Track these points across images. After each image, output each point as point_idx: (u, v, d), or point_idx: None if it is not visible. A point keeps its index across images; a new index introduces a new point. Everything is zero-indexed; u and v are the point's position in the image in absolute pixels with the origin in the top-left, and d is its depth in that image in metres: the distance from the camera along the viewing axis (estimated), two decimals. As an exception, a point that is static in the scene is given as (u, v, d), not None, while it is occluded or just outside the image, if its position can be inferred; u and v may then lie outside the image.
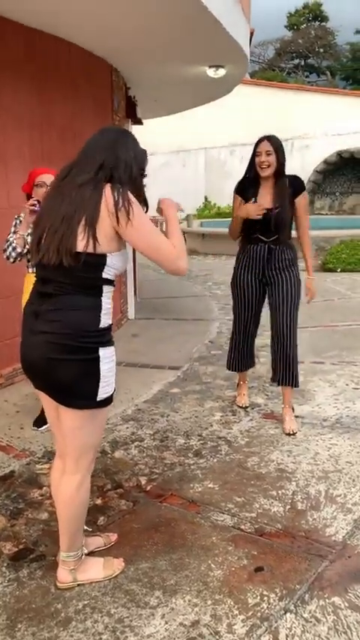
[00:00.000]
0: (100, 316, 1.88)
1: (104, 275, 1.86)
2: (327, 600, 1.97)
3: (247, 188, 3.35)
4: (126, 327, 6.00)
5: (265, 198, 3.27)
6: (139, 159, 1.94)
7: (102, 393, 1.89)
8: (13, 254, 3.07)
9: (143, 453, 3.13)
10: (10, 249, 3.07)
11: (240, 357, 3.66)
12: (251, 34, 7.35)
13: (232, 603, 1.97)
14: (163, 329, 5.90)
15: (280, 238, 3.29)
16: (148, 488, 2.77)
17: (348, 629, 1.85)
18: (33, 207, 2.92)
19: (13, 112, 4.10)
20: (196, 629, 1.86)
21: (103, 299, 1.89)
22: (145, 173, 1.97)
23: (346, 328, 5.71)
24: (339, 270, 9.29)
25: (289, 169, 3.32)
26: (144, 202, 1.92)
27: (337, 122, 15.36)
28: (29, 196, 3.23)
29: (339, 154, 15.21)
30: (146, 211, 1.91)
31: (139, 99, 6.58)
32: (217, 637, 1.82)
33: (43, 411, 3.18)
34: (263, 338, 4.34)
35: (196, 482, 2.80)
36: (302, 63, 35.44)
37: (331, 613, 1.92)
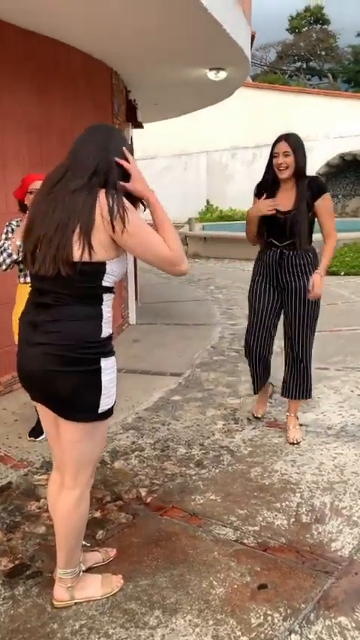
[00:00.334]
0: (101, 326, 1.82)
1: (104, 283, 1.80)
2: (333, 620, 1.90)
3: (265, 190, 3.15)
4: (127, 332, 5.93)
5: (283, 202, 3.08)
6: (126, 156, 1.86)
7: (103, 405, 1.84)
8: (8, 261, 3.00)
9: (143, 463, 3.06)
10: (5, 255, 3.00)
11: (260, 376, 3.42)
12: (252, 37, 7.31)
13: (234, 623, 1.90)
14: (165, 334, 5.83)
15: (296, 244, 3.08)
16: (149, 500, 2.70)
17: (356, 652, 1.77)
18: None
19: (11, 116, 4.05)
20: (197, 652, 1.79)
21: (103, 308, 1.84)
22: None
23: (351, 333, 5.63)
24: (342, 273, 9.21)
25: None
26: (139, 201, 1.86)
27: (339, 124, 15.32)
28: (21, 202, 3.17)
29: (341, 156, 15.16)
30: (144, 210, 1.87)
31: (139, 102, 6.53)
32: (219, 660, 1.75)
33: (39, 421, 3.11)
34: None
35: (197, 494, 2.73)
36: (304, 66, 35.43)
37: (337, 634, 1.84)
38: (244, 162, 16.45)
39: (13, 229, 3.08)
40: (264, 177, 3.18)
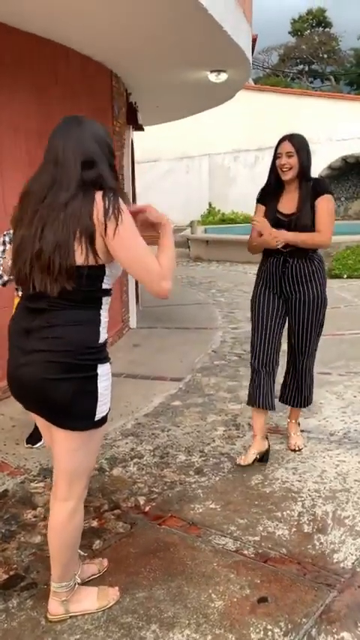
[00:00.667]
0: (99, 331, 1.78)
1: (104, 285, 1.76)
2: (335, 636, 1.84)
3: (269, 195, 3.00)
4: (127, 336, 5.88)
5: (287, 205, 2.94)
6: (110, 145, 1.79)
7: (99, 413, 1.79)
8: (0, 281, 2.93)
9: (142, 471, 3.00)
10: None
11: (260, 390, 3.08)
12: (254, 40, 7.28)
13: (233, 639, 1.84)
14: (165, 338, 5.78)
15: (300, 250, 2.91)
16: (147, 508, 2.65)
17: (358, 669, 1.71)
18: None
19: (10, 119, 4.01)
20: (195, 669, 1.73)
21: (101, 312, 1.80)
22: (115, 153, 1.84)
23: (354, 337, 5.57)
24: (345, 276, 9.16)
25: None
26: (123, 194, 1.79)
27: (341, 127, 15.26)
28: None
29: (344, 159, 15.09)
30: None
31: (140, 105, 6.50)
32: None
33: (36, 427, 3.03)
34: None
35: (197, 503, 2.68)
36: (306, 69, 35.46)
37: (340, 650, 1.79)
38: (247, 165, 16.41)
39: (9, 240, 2.92)
40: (267, 181, 3.03)
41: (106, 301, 1.80)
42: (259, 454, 3.01)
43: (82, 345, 1.72)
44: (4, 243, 2.98)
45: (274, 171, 2.97)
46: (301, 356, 3.09)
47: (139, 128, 6.65)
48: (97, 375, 1.76)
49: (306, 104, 15.83)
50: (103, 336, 1.80)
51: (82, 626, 1.92)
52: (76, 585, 2.01)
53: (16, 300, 3.09)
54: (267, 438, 3.10)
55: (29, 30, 4.04)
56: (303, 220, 2.88)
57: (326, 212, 2.88)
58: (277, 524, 2.48)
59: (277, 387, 3.23)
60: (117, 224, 1.64)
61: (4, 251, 2.95)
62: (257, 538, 2.39)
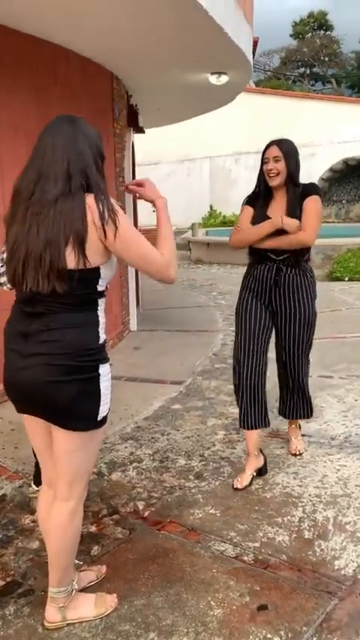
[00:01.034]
0: (98, 332, 1.79)
1: (99, 288, 1.76)
2: (336, 645, 1.81)
3: (257, 201, 2.89)
4: (128, 339, 5.86)
5: (276, 210, 2.81)
6: (100, 147, 1.78)
7: (101, 413, 1.79)
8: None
9: (142, 475, 2.98)
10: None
11: (251, 410, 2.88)
12: (255, 42, 7.26)
13: (232, 648, 1.82)
14: (166, 341, 5.76)
15: (293, 258, 2.80)
16: (146, 514, 2.62)
17: None
18: None
19: (9, 121, 3.99)
20: None
21: (99, 313, 1.80)
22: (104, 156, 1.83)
23: (355, 340, 5.54)
24: (346, 278, 9.13)
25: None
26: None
27: (342, 130, 15.25)
28: None
29: (345, 161, 15.09)
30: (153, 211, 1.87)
31: (141, 107, 6.49)
32: None
33: (38, 465, 2.68)
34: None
35: (196, 508, 2.65)
36: (307, 71, 35.49)
37: (341, 660, 1.76)
38: (248, 167, 16.39)
39: None
40: (255, 187, 2.92)
41: (101, 302, 1.81)
42: (256, 471, 2.90)
43: (82, 347, 1.72)
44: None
45: (262, 177, 2.86)
46: (294, 371, 2.99)
47: (140, 130, 6.64)
48: (98, 375, 1.76)
49: (307, 107, 15.84)
50: (102, 336, 1.81)
51: (80, 634, 1.90)
52: (74, 591, 1.99)
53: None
54: (262, 452, 2.97)
55: (29, 32, 4.02)
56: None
57: (312, 212, 2.77)
58: (277, 530, 2.45)
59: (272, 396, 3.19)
60: (116, 227, 1.65)
61: (4, 251, 2.93)
62: (257, 544, 2.36)
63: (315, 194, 2.81)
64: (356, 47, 33.75)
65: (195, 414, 3.80)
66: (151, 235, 1.81)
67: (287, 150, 2.79)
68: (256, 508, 2.64)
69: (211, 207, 16.98)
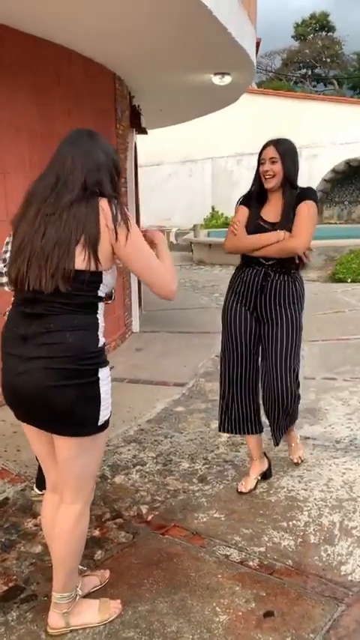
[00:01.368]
0: (98, 335, 1.77)
1: (99, 293, 1.76)
2: (344, 653, 1.78)
3: (251, 202, 2.75)
4: (130, 340, 5.84)
5: (271, 213, 2.68)
6: (116, 162, 1.82)
7: (102, 417, 1.77)
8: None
9: (145, 479, 2.95)
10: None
11: (239, 417, 2.80)
12: (258, 43, 7.25)
13: (238, 655, 1.79)
14: (168, 343, 5.73)
15: (281, 264, 2.64)
16: (150, 517, 2.59)
17: None
18: None
19: (11, 122, 3.97)
20: None
21: (98, 317, 1.79)
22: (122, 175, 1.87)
23: (359, 342, 5.51)
24: (349, 280, 9.09)
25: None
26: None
27: (345, 131, 15.22)
28: None
29: (347, 162, 15.06)
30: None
31: (143, 108, 6.47)
32: None
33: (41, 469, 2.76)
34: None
35: (200, 512, 2.62)
36: (309, 73, 35.45)
37: (349, 668, 1.73)
38: (250, 168, 16.30)
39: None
40: (251, 187, 2.78)
41: (101, 306, 1.80)
42: (261, 475, 2.85)
43: (83, 350, 1.70)
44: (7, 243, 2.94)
45: (258, 178, 2.72)
46: (276, 388, 2.65)
47: (143, 131, 6.62)
48: (98, 379, 1.75)
49: (309, 108, 15.80)
50: (102, 339, 1.80)
51: (83, 641, 1.87)
52: (78, 597, 1.96)
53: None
54: (266, 455, 2.91)
55: (31, 32, 4.00)
56: (286, 229, 2.61)
57: (304, 216, 2.60)
58: (282, 535, 2.43)
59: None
60: (128, 230, 1.67)
61: (7, 251, 2.91)
62: (262, 549, 2.34)
63: (309, 199, 2.64)
64: (358, 48, 33.75)
65: (198, 416, 3.78)
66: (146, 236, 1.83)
67: (285, 150, 2.64)
68: (261, 512, 2.61)
69: (213, 209, 16.95)
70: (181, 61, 5.02)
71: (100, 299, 1.78)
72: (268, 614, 1.96)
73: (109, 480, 2.93)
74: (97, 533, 2.48)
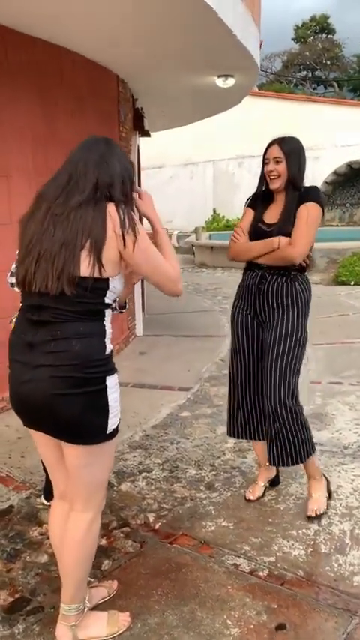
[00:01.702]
0: (105, 342, 1.73)
1: (106, 300, 1.73)
2: (360, 667, 1.74)
3: (258, 203, 2.67)
4: (133, 344, 5.80)
5: (273, 215, 2.59)
6: (129, 171, 1.80)
7: (111, 425, 1.74)
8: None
9: (151, 486, 2.91)
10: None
11: (248, 420, 2.74)
12: (260, 45, 7.22)
13: (251, 670, 1.75)
14: (172, 346, 5.70)
15: (278, 266, 2.53)
16: (157, 526, 2.55)
17: None
18: None
19: (15, 125, 3.94)
20: None
21: (105, 324, 1.75)
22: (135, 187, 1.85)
23: (363, 345, 5.47)
24: (352, 282, 9.06)
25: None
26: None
27: (346, 133, 15.21)
28: None
29: (349, 164, 15.05)
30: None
31: (146, 110, 6.44)
32: None
33: (48, 479, 2.50)
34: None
35: (208, 520, 2.58)
36: (310, 75, 35.44)
37: None
38: (251, 171, 16.33)
39: None
40: (257, 188, 2.70)
41: (108, 313, 1.77)
42: (269, 482, 2.81)
43: (89, 358, 1.67)
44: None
45: (264, 178, 2.63)
46: (272, 400, 2.50)
47: (146, 134, 6.59)
48: (106, 387, 1.71)
49: (310, 110, 15.80)
50: (109, 347, 1.76)
51: (92, 655, 1.83)
52: (86, 609, 1.92)
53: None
54: None
55: (35, 34, 3.98)
56: (283, 231, 2.49)
57: (302, 221, 2.44)
58: (292, 544, 2.38)
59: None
60: (135, 237, 1.65)
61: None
62: (272, 559, 2.29)
63: (312, 200, 2.49)
64: (358, 51, 33.72)
65: (204, 421, 3.74)
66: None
67: (290, 150, 2.52)
68: (270, 520, 2.57)
69: (214, 211, 16.95)
70: (185, 64, 4.99)
71: (108, 306, 1.75)
72: (281, 627, 1.92)
73: (115, 488, 2.89)
74: (103, 542, 2.44)
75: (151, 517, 2.62)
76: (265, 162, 2.59)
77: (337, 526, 2.50)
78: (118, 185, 1.71)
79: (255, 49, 4.92)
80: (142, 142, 7.24)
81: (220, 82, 5.56)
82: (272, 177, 2.56)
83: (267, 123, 15.33)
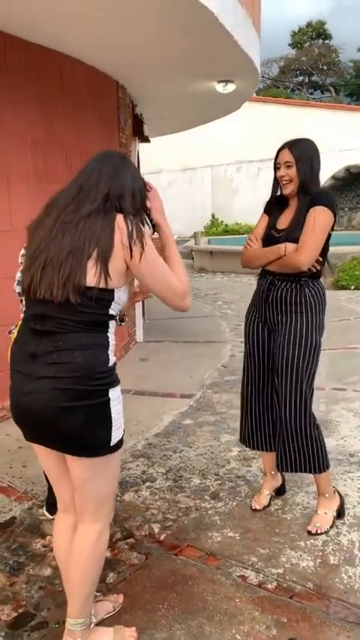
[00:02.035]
0: (108, 354, 1.71)
1: (110, 311, 1.70)
2: None
3: (273, 209, 2.61)
4: (134, 350, 5.76)
5: (285, 220, 2.54)
6: (141, 186, 1.80)
7: (115, 437, 1.71)
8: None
9: (155, 496, 2.87)
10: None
11: (255, 430, 2.71)
12: (259, 49, 7.22)
13: None
14: (173, 352, 5.66)
15: (289, 272, 2.47)
16: (162, 537, 2.51)
17: None
18: None
19: (15, 130, 3.92)
20: None
21: (109, 335, 1.73)
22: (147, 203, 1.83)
23: (365, 350, 5.44)
24: (352, 287, 9.04)
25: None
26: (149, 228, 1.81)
27: (344, 138, 15.23)
28: None
29: (347, 169, 15.03)
30: (152, 233, 1.80)
31: (146, 116, 6.43)
32: None
33: (51, 491, 2.52)
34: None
35: (214, 531, 2.54)
36: (306, 80, 35.57)
37: None
38: (249, 176, 16.37)
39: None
40: (272, 192, 2.63)
41: (112, 324, 1.74)
42: (274, 491, 2.78)
43: (93, 370, 1.64)
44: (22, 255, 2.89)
45: (275, 183, 2.58)
46: (285, 409, 2.47)
47: (145, 140, 6.58)
48: (109, 400, 1.69)
49: (308, 115, 15.83)
50: (112, 359, 1.74)
51: (98, 672, 1.79)
52: (92, 624, 1.88)
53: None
54: (279, 471, 2.75)
55: (35, 40, 3.96)
56: (292, 237, 2.43)
57: (309, 228, 2.37)
58: (300, 555, 2.35)
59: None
60: (143, 248, 1.63)
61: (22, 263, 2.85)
62: (281, 570, 2.25)
63: (320, 204, 2.40)
64: (354, 56, 33.90)
65: (207, 429, 3.70)
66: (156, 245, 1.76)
67: (300, 154, 2.45)
68: (277, 530, 2.53)
69: (213, 216, 16.95)
70: (186, 69, 4.98)
71: (112, 317, 1.72)
72: (291, 641, 1.88)
73: (118, 498, 2.85)
74: (108, 554, 2.39)
75: (155, 528, 2.58)
76: (276, 167, 2.53)
77: (345, 536, 2.46)
78: (129, 198, 1.70)
79: (255, 54, 4.91)
80: (141, 147, 7.23)
81: (220, 88, 5.55)
82: (284, 182, 2.50)
83: (265, 128, 15.38)
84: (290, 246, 2.42)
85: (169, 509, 2.74)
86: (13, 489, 2.97)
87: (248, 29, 4.49)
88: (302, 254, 2.38)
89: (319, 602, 2.06)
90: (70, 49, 4.25)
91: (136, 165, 6.27)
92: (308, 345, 2.46)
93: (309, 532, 2.49)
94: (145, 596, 2.13)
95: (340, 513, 2.59)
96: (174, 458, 3.28)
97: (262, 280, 2.62)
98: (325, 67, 34.39)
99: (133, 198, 1.71)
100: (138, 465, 3.20)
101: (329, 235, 2.45)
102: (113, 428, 1.70)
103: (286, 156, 2.47)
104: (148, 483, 2.99)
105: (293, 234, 2.43)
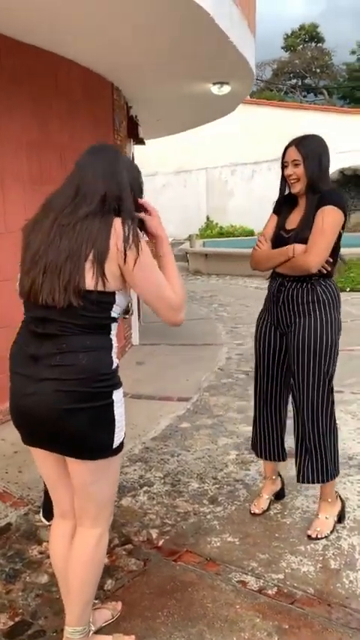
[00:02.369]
0: (112, 356, 1.69)
1: (112, 314, 1.67)
2: None
3: (283, 208, 2.54)
4: (130, 353, 5.73)
5: (294, 220, 2.47)
6: (138, 181, 1.77)
7: (117, 440, 1.69)
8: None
9: (153, 500, 2.83)
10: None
11: (264, 438, 2.66)
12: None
13: None
14: (169, 356, 5.63)
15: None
16: (160, 543, 2.48)
17: None
18: None
19: (9, 131, 3.89)
20: None
21: (112, 337, 1.71)
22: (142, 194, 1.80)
23: (362, 352, 5.43)
24: (348, 289, 9.04)
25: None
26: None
27: (338, 140, 15.21)
28: None
29: (341, 171, 15.07)
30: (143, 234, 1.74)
31: (141, 118, 6.41)
32: None
33: (47, 496, 2.34)
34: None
35: (213, 536, 2.51)
36: (299, 83, 35.71)
37: None
38: (244, 178, 16.40)
39: None
40: (279, 193, 2.56)
41: (114, 327, 1.72)
42: (274, 495, 2.74)
43: (97, 372, 1.62)
44: None
45: (283, 182, 2.51)
46: (303, 416, 2.44)
47: (140, 142, 6.57)
48: (112, 402, 1.67)
49: (302, 118, 15.87)
50: (115, 361, 1.71)
51: None
52: (91, 632, 1.85)
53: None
54: (280, 475, 2.78)
55: (29, 42, 3.93)
56: (300, 237, 2.37)
57: (317, 228, 2.31)
58: (301, 560, 2.32)
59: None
60: (138, 254, 1.59)
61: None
62: (281, 576, 2.23)
63: (329, 204, 2.32)
64: (347, 59, 34.02)
65: (204, 432, 3.67)
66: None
67: (308, 152, 2.37)
68: (277, 535, 2.50)
69: (207, 219, 16.96)
70: (181, 71, 4.97)
71: (114, 320, 1.69)
72: (293, 649, 1.85)
73: (115, 503, 2.81)
74: (106, 560, 2.35)
75: (154, 533, 2.55)
76: (283, 166, 2.46)
77: (345, 540, 2.44)
78: (128, 198, 1.67)
79: (251, 55, 4.91)
80: (135, 149, 7.22)
81: (215, 89, 5.55)
82: (292, 181, 2.43)
83: (259, 130, 15.42)
84: (299, 247, 2.35)
85: (167, 514, 2.71)
86: (9, 495, 2.93)
87: (244, 30, 4.49)
88: (311, 255, 2.31)
89: (321, 608, 2.03)
90: (64, 51, 4.23)
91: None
92: (324, 344, 2.39)
93: (309, 536, 2.45)
94: (144, 603, 2.10)
95: (340, 518, 2.56)
96: (171, 462, 3.25)
97: (272, 283, 2.56)
98: (318, 70, 34.56)
99: (131, 197, 1.68)
100: (135, 470, 3.16)
101: (340, 234, 2.39)
102: (116, 430, 1.68)
103: (294, 154, 2.39)
104: (145, 488, 2.96)
105: (302, 234, 2.37)
